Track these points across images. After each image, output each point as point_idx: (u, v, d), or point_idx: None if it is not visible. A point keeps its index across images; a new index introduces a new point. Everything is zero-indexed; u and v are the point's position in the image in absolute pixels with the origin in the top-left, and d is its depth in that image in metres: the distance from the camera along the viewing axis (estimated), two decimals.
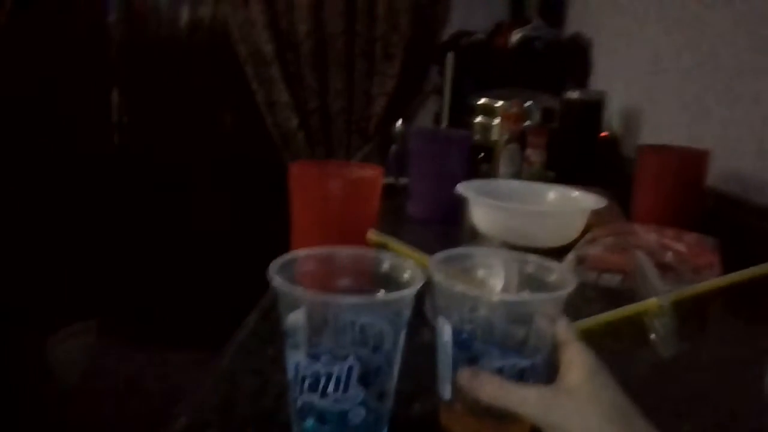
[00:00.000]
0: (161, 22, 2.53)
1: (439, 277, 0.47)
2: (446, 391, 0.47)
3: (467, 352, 0.45)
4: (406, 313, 0.45)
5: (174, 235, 2.63)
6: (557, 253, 0.93)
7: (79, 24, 2.53)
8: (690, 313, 0.75)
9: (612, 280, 0.88)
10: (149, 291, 2.60)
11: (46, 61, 2.50)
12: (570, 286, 0.46)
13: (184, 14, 2.52)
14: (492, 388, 0.43)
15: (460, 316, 0.46)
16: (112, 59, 2.56)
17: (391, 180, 1.36)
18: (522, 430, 0.46)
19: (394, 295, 0.45)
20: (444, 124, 2.14)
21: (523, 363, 0.44)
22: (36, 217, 2.28)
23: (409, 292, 0.44)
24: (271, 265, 0.46)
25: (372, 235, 0.72)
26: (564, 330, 0.46)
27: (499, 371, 0.44)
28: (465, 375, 0.45)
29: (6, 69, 2.31)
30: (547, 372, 0.45)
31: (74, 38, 2.52)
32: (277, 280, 0.44)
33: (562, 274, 0.49)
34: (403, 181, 1.28)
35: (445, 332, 0.46)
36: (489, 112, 1.82)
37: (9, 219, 1.99)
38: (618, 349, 0.69)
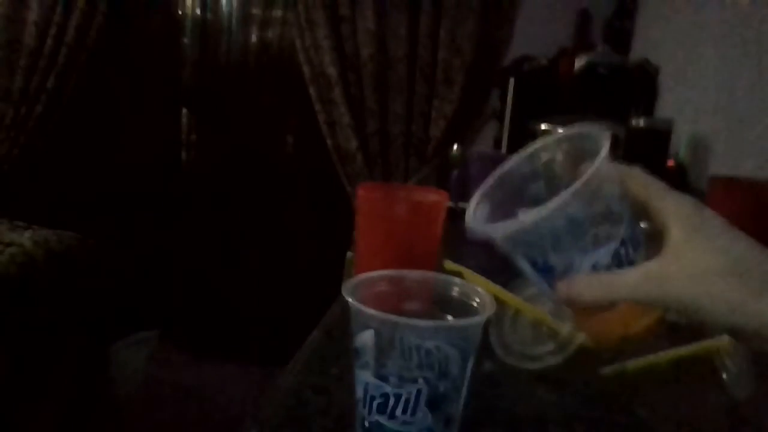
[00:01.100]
0: (231, 44, 2.63)
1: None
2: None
3: (554, 271, 0.40)
4: (475, 340, 0.46)
5: (236, 251, 2.70)
6: None
7: (155, 45, 2.66)
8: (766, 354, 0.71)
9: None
10: (210, 304, 2.67)
11: (123, 80, 2.64)
12: (606, 143, 0.38)
13: (253, 37, 2.62)
14: (592, 290, 0.38)
15: (527, 245, 0.41)
16: (184, 80, 2.68)
17: (451, 204, 1.36)
18: (651, 317, 0.41)
19: (464, 321, 0.45)
20: (503, 149, 2.13)
21: (611, 244, 0.38)
22: (103, 228, 2.39)
23: (479, 320, 0.45)
24: (344, 284, 0.47)
25: (448, 264, 0.72)
26: (640, 184, 0.39)
27: (594, 268, 0.38)
28: (561, 289, 0.39)
29: (88, 85, 2.45)
30: (643, 237, 0.39)
31: (150, 59, 2.65)
32: (349, 299, 0.45)
33: (599, 137, 0.40)
34: (463, 205, 1.28)
35: (526, 269, 0.42)
36: None
37: (79, 228, 2.08)
38: (686, 391, 0.67)
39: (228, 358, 2.42)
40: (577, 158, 0.41)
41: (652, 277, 0.36)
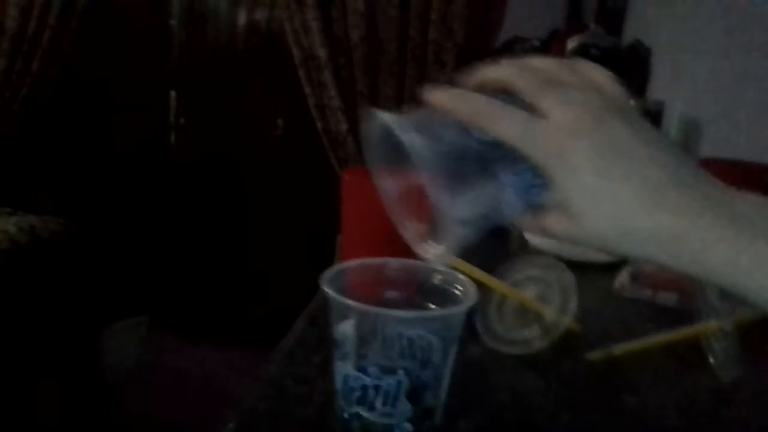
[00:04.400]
0: (220, 25, 2.59)
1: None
2: None
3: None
4: (458, 328, 0.45)
5: (225, 235, 2.68)
6: (611, 268, 0.91)
7: (142, 26, 2.61)
8: (754, 338, 0.71)
9: (668, 298, 0.85)
10: (201, 288, 2.66)
11: (110, 62, 2.60)
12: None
13: (242, 18, 2.57)
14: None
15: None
16: (172, 61, 2.64)
17: None
18: None
19: (446, 310, 0.44)
20: None
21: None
22: (92, 212, 2.37)
23: (461, 309, 0.44)
24: (323, 274, 0.46)
25: None
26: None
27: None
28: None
29: (73, 68, 2.41)
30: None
31: (137, 40, 2.61)
32: (328, 290, 0.44)
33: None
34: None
35: None
36: None
37: (66, 213, 2.06)
38: (674, 375, 0.66)
39: (219, 342, 2.42)
40: None
41: (561, 236, 0.36)
